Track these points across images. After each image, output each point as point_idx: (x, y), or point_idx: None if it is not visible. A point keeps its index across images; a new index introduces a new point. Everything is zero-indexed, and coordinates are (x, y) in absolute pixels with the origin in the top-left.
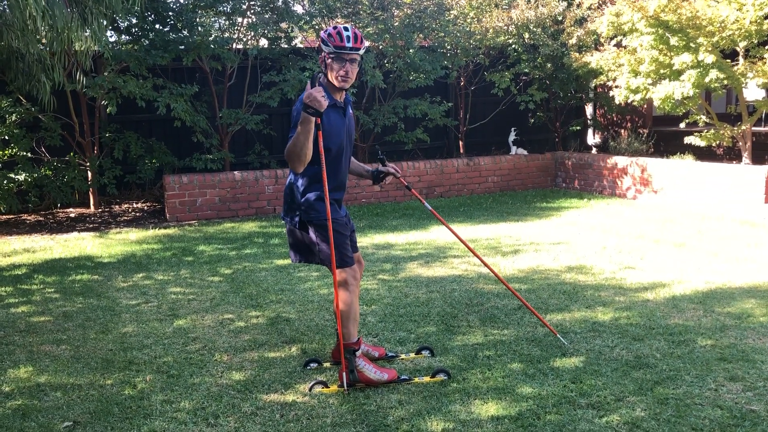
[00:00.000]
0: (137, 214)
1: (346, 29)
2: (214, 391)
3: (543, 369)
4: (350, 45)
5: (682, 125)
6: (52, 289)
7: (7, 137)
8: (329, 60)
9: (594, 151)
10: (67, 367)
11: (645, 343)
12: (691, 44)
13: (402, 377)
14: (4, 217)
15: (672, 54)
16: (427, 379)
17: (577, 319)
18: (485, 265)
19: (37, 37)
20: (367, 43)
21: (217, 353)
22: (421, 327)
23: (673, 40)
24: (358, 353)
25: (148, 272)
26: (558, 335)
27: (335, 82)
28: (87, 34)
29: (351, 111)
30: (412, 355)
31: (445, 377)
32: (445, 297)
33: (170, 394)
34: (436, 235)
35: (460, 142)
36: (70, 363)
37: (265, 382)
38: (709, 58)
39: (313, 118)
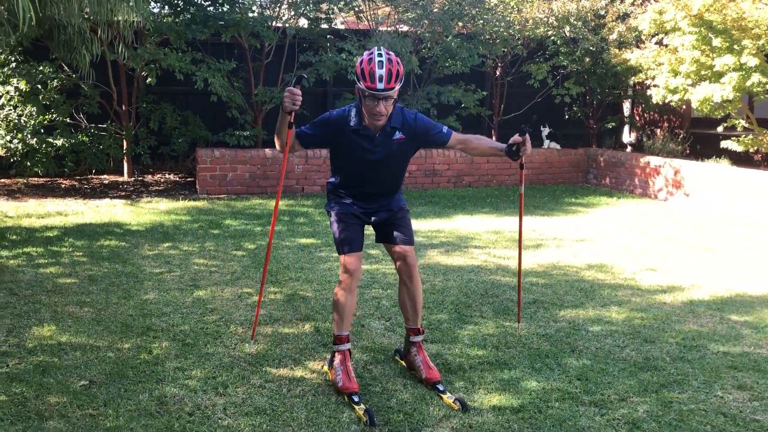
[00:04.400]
0: (169, 185)
1: (380, 65)
2: (226, 362)
3: (550, 364)
4: (382, 86)
5: (720, 128)
6: (81, 253)
7: (47, 103)
8: (362, 94)
9: (629, 149)
10: (88, 329)
11: (656, 346)
12: (735, 46)
13: (354, 399)
14: (41, 180)
15: (714, 55)
16: (358, 413)
17: (590, 317)
18: (519, 266)
19: (81, 6)
20: (398, 85)
21: (232, 325)
22: (434, 314)
23: (716, 41)
24: (342, 348)
25: (174, 242)
26: (519, 324)
27: (367, 118)
28: (131, 4)
29: (398, 136)
30: (446, 398)
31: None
32: (461, 286)
33: (183, 362)
34: (459, 224)
35: (494, 133)
36: (91, 325)
37: (276, 357)
38: (753, 61)
39: (287, 113)
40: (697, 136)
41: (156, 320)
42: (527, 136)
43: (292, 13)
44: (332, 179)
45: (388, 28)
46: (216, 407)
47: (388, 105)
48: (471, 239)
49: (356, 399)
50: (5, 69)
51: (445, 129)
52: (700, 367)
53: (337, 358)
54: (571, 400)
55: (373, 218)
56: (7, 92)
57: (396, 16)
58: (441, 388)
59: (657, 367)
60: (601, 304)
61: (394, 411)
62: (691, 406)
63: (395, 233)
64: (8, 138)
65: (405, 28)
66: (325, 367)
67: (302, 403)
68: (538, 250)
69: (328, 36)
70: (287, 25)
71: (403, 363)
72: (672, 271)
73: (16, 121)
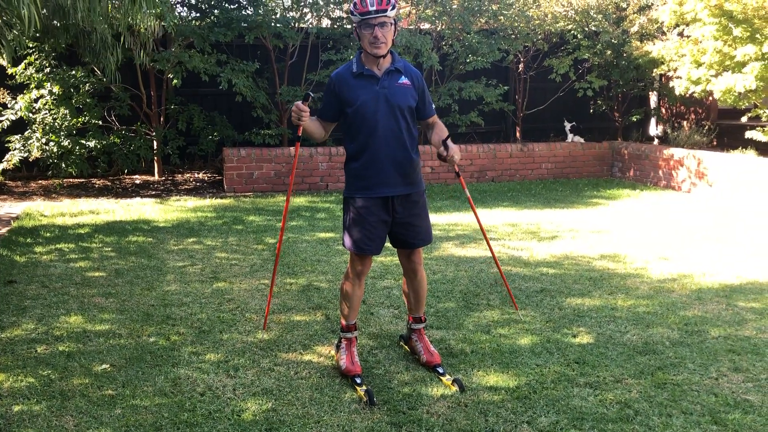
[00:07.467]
0: (198, 184)
1: None
2: (239, 347)
3: (550, 348)
4: (374, 8)
5: (744, 119)
6: (109, 248)
7: (80, 106)
8: (359, 29)
9: (656, 142)
10: (111, 318)
11: (657, 331)
12: (757, 35)
13: (357, 381)
14: (76, 180)
15: (736, 45)
16: (359, 393)
17: (596, 305)
18: (492, 254)
19: (108, 14)
20: (399, 8)
21: (247, 314)
22: (442, 302)
23: (737, 31)
24: (349, 335)
25: (198, 237)
26: (518, 311)
27: (368, 49)
28: (150, 11)
29: (403, 80)
30: (445, 379)
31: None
32: (471, 276)
33: (199, 347)
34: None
35: (518, 128)
36: (115, 314)
37: (286, 342)
38: None
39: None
40: (724, 127)
41: (175, 309)
42: (448, 142)
43: (314, 13)
44: (348, 160)
45: (409, 26)
46: (226, 388)
47: (386, 32)
48: (487, 232)
49: (358, 380)
50: (40, 74)
51: (433, 105)
52: (698, 350)
53: (343, 343)
54: (567, 381)
55: (393, 213)
56: (42, 96)
57: (416, 15)
58: (441, 370)
59: (655, 351)
60: (608, 292)
61: (394, 391)
62: (684, 387)
63: (411, 239)
64: (44, 140)
65: (426, 26)
66: (332, 351)
67: (307, 384)
68: (553, 242)
69: (350, 35)
70: (309, 25)
71: (406, 348)
72: (685, 260)
73: (51, 123)
